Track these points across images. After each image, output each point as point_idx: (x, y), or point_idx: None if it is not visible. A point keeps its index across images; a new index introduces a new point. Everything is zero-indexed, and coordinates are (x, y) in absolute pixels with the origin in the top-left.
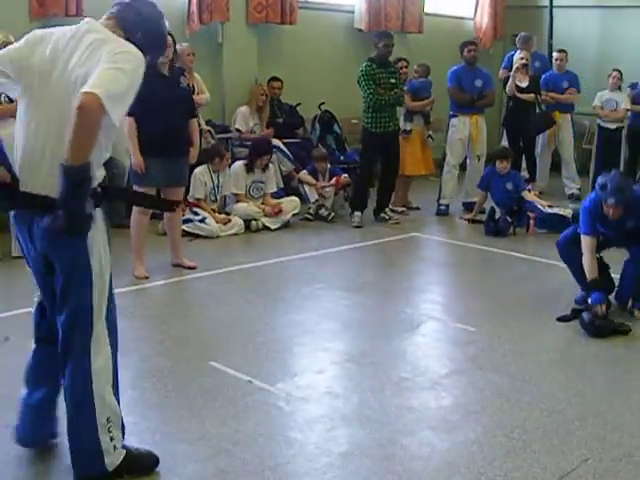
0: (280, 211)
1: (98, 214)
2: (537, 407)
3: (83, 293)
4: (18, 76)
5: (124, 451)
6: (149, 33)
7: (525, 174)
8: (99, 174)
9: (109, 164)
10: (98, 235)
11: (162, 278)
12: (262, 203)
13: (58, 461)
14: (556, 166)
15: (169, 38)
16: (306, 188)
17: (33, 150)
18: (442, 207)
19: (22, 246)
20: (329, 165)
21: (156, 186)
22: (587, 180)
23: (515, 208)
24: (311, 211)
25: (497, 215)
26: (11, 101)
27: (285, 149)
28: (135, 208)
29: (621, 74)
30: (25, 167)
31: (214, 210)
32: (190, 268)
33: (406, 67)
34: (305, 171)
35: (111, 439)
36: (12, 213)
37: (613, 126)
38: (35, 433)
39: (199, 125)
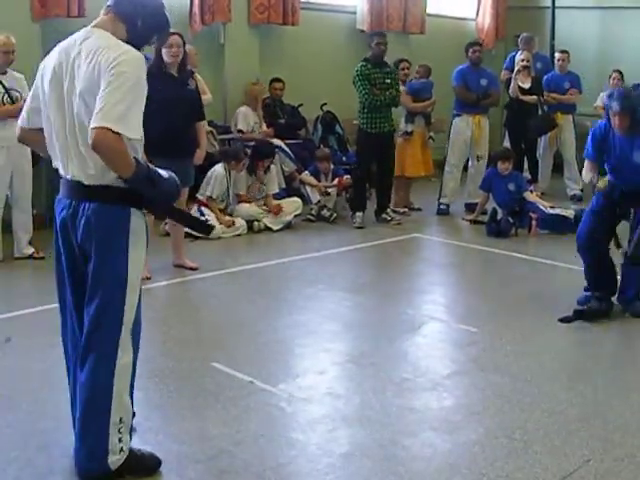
0: (280, 210)
1: (139, 221)
2: (538, 408)
3: (116, 289)
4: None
5: (127, 452)
6: (149, 16)
7: (527, 175)
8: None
9: None
10: (138, 239)
11: (164, 279)
12: (264, 204)
13: (60, 461)
14: (558, 167)
15: (179, 38)
16: (308, 189)
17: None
18: (442, 207)
19: (58, 237)
20: (331, 166)
21: None
22: None
23: (517, 209)
24: (313, 212)
25: (499, 216)
26: (13, 102)
27: (287, 149)
28: None
29: (622, 75)
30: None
31: (221, 210)
32: (192, 269)
33: (408, 68)
34: (307, 172)
35: (119, 440)
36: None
37: None
38: None
39: None
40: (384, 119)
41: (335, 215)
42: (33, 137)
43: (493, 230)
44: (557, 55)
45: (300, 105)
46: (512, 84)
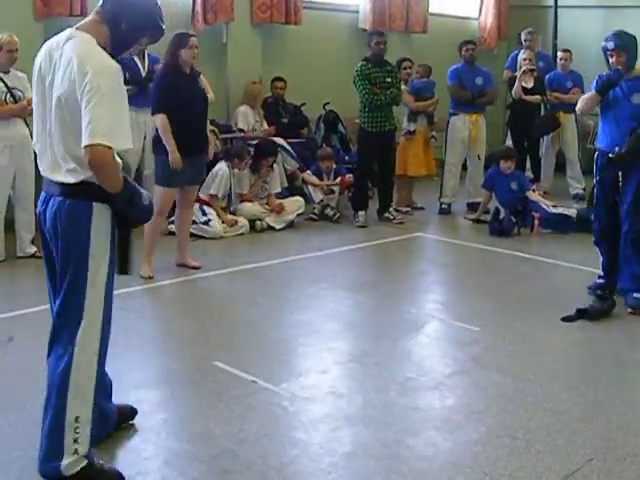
0: (282, 210)
1: (103, 212)
2: (541, 407)
3: (77, 282)
4: None
5: (86, 461)
6: (133, 19)
7: (529, 174)
8: None
9: None
10: (100, 236)
11: (167, 278)
12: (266, 203)
13: None
14: (560, 166)
15: (194, 39)
16: (310, 188)
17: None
18: (444, 206)
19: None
20: (334, 165)
21: (180, 186)
22: (591, 180)
23: (519, 208)
24: (316, 211)
25: (501, 215)
26: (16, 101)
27: (289, 148)
28: (155, 209)
29: None
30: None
31: (223, 209)
32: (195, 268)
33: (410, 67)
34: (309, 171)
35: (75, 440)
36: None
37: None
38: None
39: None
40: (385, 118)
41: (338, 214)
42: None
43: (496, 229)
44: (559, 54)
45: (303, 104)
46: (516, 85)
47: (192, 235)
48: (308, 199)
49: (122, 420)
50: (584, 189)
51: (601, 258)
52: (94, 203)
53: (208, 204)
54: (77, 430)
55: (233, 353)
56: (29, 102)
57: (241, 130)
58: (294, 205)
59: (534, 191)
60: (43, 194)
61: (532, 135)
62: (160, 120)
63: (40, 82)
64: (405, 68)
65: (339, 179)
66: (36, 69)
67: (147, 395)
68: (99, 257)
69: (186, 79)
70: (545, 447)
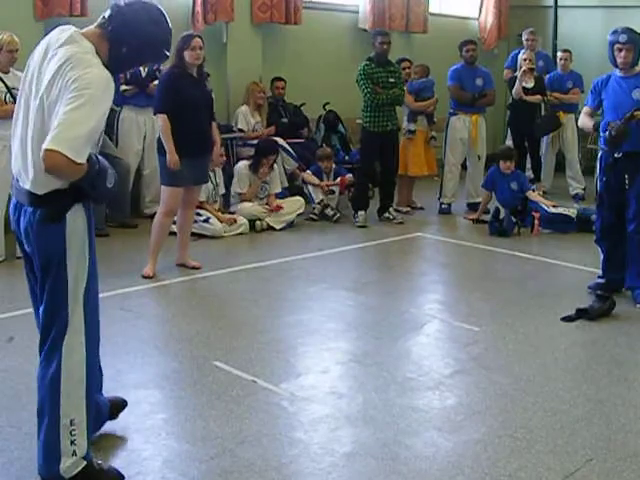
0: (280, 209)
1: (77, 221)
2: (541, 407)
3: (57, 290)
4: None
5: (85, 462)
6: (136, 47)
7: (530, 174)
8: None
9: (112, 162)
10: (76, 240)
11: (167, 278)
12: (266, 203)
13: None
14: (560, 166)
15: (200, 41)
16: (310, 188)
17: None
18: (444, 206)
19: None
20: (334, 165)
21: (185, 186)
22: (592, 180)
23: (519, 208)
24: (316, 211)
25: (501, 215)
26: (15, 102)
27: (288, 147)
28: (160, 209)
29: None
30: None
31: (219, 210)
32: (194, 268)
33: (409, 67)
34: (309, 171)
35: (72, 443)
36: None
37: None
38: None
39: None
40: (388, 118)
41: (338, 214)
42: None
43: (496, 229)
44: (559, 54)
45: (303, 104)
46: (516, 86)
47: (193, 234)
48: (308, 199)
49: (114, 412)
50: (584, 189)
51: (602, 256)
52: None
53: (200, 207)
54: (73, 432)
55: (233, 353)
56: None
57: (241, 130)
58: (294, 205)
59: (534, 191)
60: (14, 200)
61: (533, 135)
62: (161, 120)
63: (29, 75)
64: (404, 68)
65: (339, 179)
66: (30, 62)
67: (147, 395)
68: (78, 262)
69: (191, 80)
70: (545, 447)
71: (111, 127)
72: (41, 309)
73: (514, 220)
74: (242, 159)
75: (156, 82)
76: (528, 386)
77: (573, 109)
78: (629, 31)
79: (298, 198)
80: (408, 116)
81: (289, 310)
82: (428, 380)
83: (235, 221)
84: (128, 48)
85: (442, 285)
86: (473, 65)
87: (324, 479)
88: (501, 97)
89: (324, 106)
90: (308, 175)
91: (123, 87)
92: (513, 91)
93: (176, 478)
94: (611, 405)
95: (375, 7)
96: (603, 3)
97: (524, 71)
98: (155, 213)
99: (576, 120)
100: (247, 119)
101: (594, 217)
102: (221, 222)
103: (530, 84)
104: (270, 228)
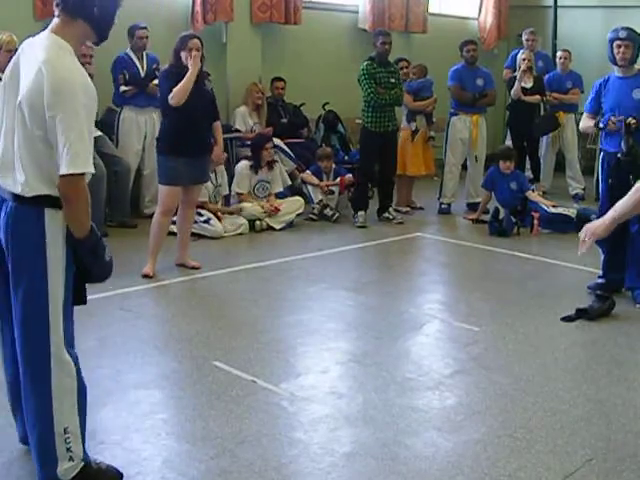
0: (277, 210)
1: (55, 222)
2: (541, 407)
3: (35, 298)
4: None
5: (82, 463)
6: None
7: (529, 174)
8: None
9: (112, 162)
10: (56, 239)
11: (166, 278)
12: (267, 202)
13: None
14: (560, 166)
15: (198, 41)
16: (310, 188)
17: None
18: (444, 206)
19: None
20: (334, 165)
21: (183, 185)
22: (591, 180)
23: (519, 208)
24: (315, 211)
25: (501, 215)
26: None
27: (286, 148)
28: (158, 209)
29: None
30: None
31: (218, 211)
32: (194, 268)
33: (407, 67)
34: (309, 172)
35: (67, 449)
36: None
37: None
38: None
39: None
40: (388, 118)
41: (338, 214)
42: None
43: (495, 229)
44: (559, 54)
45: (302, 104)
46: (515, 86)
47: (193, 234)
48: (307, 199)
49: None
50: (584, 189)
51: (602, 257)
52: (46, 209)
53: (201, 207)
54: (68, 440)
55: (233, 353)
56: None
57: (237, 130)
58: (293, 205)
59: (533, 191)
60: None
61: (532, 135)
62: (174, 99)
63: (9, 86)
64: (402, 68)
65: (339, 179)
66: (9, 65)
67: (146, 395)
68: (57, 260)
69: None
70: (545, 447)
71: (111, 127)
72: (17, 318)
73: (514, 220)
74: (242, 159)
75: (156, 82)
76: (528, 386)
77: (573, 109)
78: (628, 29)
79: (298, 198)
80: (407, 116)
81: (289, 310)
82: (428, 380)
83: (241, 210)
84: (98, 6)
85: (442, 285)
86: (473, 65)
87: (324, 479)
88: (501, 97)
89: (324, 106)
90: (308, 175)
91: (123, 87)
92: (512, 91)
93: (176, 478)
94: (611, 405)
95: (375, 7)
96: (603, 3)
97: (523, 71)
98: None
99: (576, 121)
100: (245, 120)
101: (594, 217)
102: (220, 220)
103: (529, 84)
104: (270, 228)
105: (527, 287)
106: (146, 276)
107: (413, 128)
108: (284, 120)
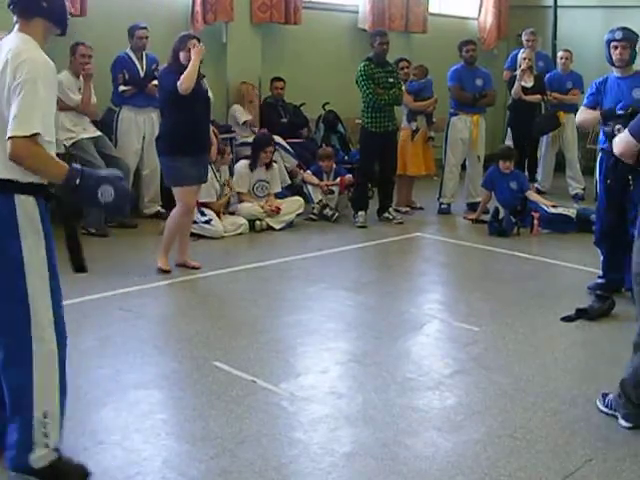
0: (279, 210)
1: (28, 206)
2: (541, 407)
3: (15, 277)
4: None
5: (56, 454)
6: None
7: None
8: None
9: (112, 162)
10: (30, 224)
11: (166, 278)
12: (266, 202)
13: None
14: (560, 166)
15: (196, 42)
16: (310, 188)
17: None
18: (443, 206)
19: None
20: (334, 165)
21: (190, 185)
22: (591, 180)
23: (519, 208)
24: (315, 211)
25: (501, 215)
26: None
27: (287, 145)
28: (178, 209)
29: None
30: None
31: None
32: (194, 268)
33: (407, 67)
34: (309, 171)
35: (45, 435)
36: None
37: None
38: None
39: None
40: (387, 118)
41: (337, 214)
42: None
43: (495, 229)
44: (560, 53)
45: (302, 104)
46: (515, 85)
47: (193, 234)
48: (307, 199)
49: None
50: (584, 189)
51: (601, 258)
52: (16, 195)
53: (206, 206)
54: (47, 425)
55: (232, 353)
56: None
57: (233, 131)
58: (293, 205)
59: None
60: None
61: (532, 134)
62: (183, 86)
63: None
64: (402, 68)
65: (339, 179)
66: None
67: (146, 395)
68: (35, 246)
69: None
70: (545, 447)
71: (110, 127)
72: None
73: (513, 220)
74: (241, 159)
75: (155, 82)
76: (528, 386)
77: (573, 109)
78: (625, 29)
79: (297, 198)
80: (407, 116)
81: (288, 310)
82: (428, 380)
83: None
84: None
85: (442, 285)
86: (473, 65)
87: (324, 479)
88: (501, 97)
89: (324, 106)
90: (308, 175)
91: (122, 87)
92: (512, 91)
93: (176, 478)
94: None
95: (375, 7)
96: (602, 3)
97: (523, 70)
98: (155, 213)
99: None
100: (235, 116)
101: (593, 217)
102: (220, 219)
103: (530, 83)
104: (270, 228)
105: (527, 287)
106: (165, 271)
107: (414, 128)
108: (284, 120)
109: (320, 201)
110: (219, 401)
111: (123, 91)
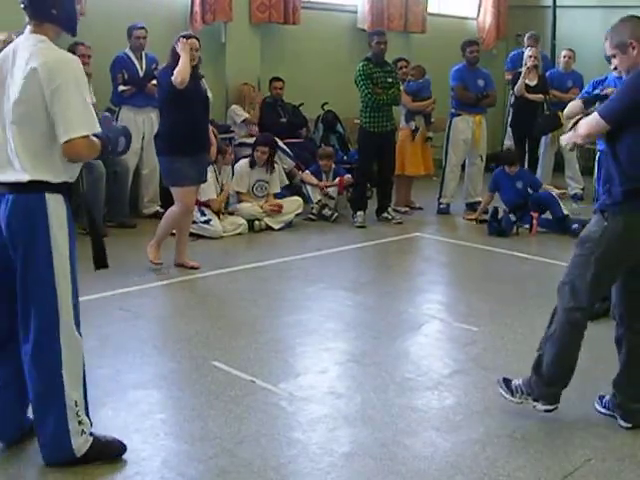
0: (280, 209)
1: (57, 205)
2: None
3: (43, 282)
4: None
5: (91, 438)
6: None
7: None
8: (72, 174)
9: (111, 162)
10: (60, 222)
11: (165, 278)
12: (266, 202)
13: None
14: (559, 166)
15: (196, 42)
16: (309, 188)
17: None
18: (443, 206)
19: None
20: (333, 165)
21: (189, 185)
22: (590, 180)
23: (521, 203)
24: (314, 211)
25: (500, 215)
26: None
27: (284, 146)
28: (177, 208)
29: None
30: None
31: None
32: (193, 268)
33: (406, 67)
34: (308, 171)
35: (79, 423)
36: None
37: None
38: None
39: None
40: (386, 118)
41: (336, 214)
42: None
43: (494, 229)
44: (563, 52)
45: (301, 104)
46: (520, 82)
47: (192, 234)
48: (306, 199)
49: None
50: (583, 189)
51: None
52: (47, 194)
53: (207, 206)
54: (79, 413)
55: (231, 353)
56: None
57: (231, 131)
58: (292, 205)
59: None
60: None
61: (533, 134)
62: (179, 78)
63: None
64: (401, 68)
65: (338, 179)
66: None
67: (145, 395)
68: (63, 241)
69: (188, 81)
70: (544, 447)
71: None
72: (21, 302)
73: (513, 220)
74: (241, 158)
75: (154, 82)
76: None
77: None
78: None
79: (296, 198)
80: (406, 116)
81: (288, 310)
82: (427, 380)
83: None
84: (55, 5)
85: (441, 285)
86: (475, 66)
87: (323, 479)
88: (500, 98)
89: (323, 106)
90: (307, 175)
91: (121, 87)
92: (516, 88)
93: (175, 478)
94: None
95: (374, 7)
96: (602, 3)
97: (528, 68)
98: (154, 213)
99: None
100: (233, 116)
101: (575, 227)
102: (220, 218)
103: (534, 82)
104: (269, 228)
105: (526, 287)
106: (156, 264)
107: (413, 127)
108: (283, 120)
109: (319, 201)
110: (218, 401)
111: (122, 91)
